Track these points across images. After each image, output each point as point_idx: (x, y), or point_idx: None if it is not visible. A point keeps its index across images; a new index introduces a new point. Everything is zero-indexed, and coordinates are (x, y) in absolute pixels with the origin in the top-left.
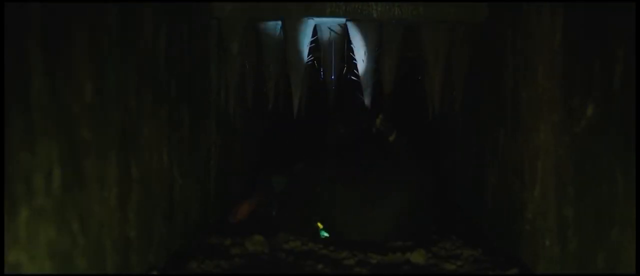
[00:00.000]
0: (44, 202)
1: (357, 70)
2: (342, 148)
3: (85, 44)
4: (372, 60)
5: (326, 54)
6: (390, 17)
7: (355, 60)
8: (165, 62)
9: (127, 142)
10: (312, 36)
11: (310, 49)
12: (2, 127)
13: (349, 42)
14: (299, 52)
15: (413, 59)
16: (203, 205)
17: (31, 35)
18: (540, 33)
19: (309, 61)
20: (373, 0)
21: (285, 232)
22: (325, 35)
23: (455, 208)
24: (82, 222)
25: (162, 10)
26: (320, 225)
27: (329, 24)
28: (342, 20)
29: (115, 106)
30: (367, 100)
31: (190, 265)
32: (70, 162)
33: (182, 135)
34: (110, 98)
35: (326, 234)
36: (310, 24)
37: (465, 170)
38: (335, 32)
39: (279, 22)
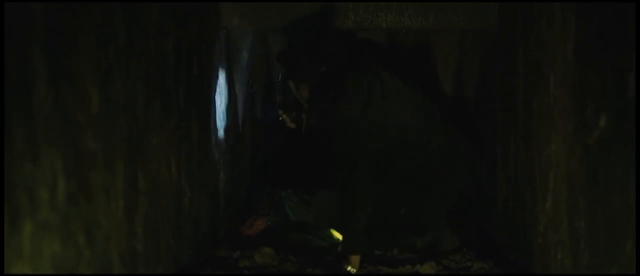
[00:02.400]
0: (49, 214)
1: None
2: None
3: (91, 51)
4: None
5: None
6: (400, 27)
7: None
8: (174, 72)
9: (134, 152)
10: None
11: None
12: (4, 137)
13: None
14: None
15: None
16: (212, 217)
17: (34, 41)
18: (551, 41)
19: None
20: (382, 9)
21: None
22: None
23: (467, 219)
24: (88, 235)
25: (170, 18)
26: (335, 233)
27: None
28: None
29: (122, 115)
30: None
31: None
32: (76, 174)
33: (191, 146)
34: (117, 107)
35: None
36: None
37: (477, 181)
38: None
39: None
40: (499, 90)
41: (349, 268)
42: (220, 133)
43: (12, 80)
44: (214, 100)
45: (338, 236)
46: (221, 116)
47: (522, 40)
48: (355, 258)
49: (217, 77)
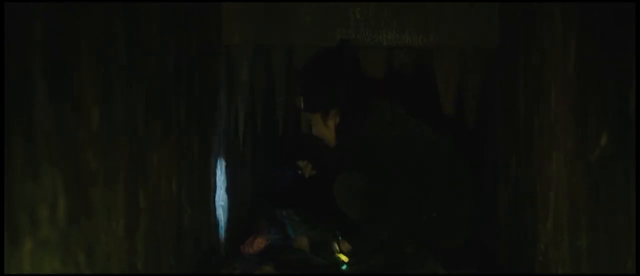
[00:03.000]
0: (49, 232)
1: None
2: None
3: (92, 68)
4: None
5: None
6: (401, 45)
7: None
8: (175, 89)
9: (135, 169)
10: None
11: None
12: (3, 156)
13: None
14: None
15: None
16: (213, 234)
17: (34, 58)
18: (553, 58)
19: None
20: (383, 27)
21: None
22: None
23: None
24: (89, 253)
25: (171, 35)
26: (340, 254)
27: None
28: None
29: (123, 133)
30: None
31: None
32: (76, 192)
33: (192, 163)
34: (117, 125)
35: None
36: None
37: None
38: None
39: None
40: (499, 106)
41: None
42: (221, 150)
43: (12, 97)
44: (215, 117)
45: (340, 256)
46: (221, 133)
47: (523, 57)
48: None
49: (217, 94)
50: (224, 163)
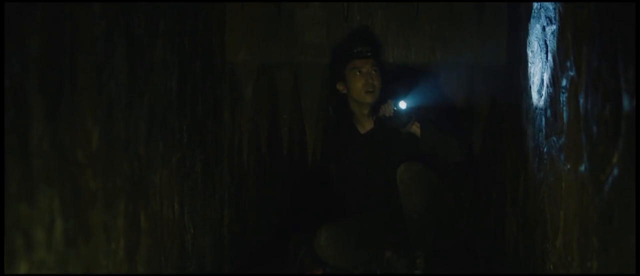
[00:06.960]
0: (45, 255)
1: None
2: None
3: (92, 87)
4: None
5: None
6: (407, 61)
7: None
8: (177, 107)
9: (136, 190)
10: None
11: None
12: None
13: None
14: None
15: None
16: (217, 255)
17: (31, 77)
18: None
19: None
20: (390, 44)
21: None
22: None
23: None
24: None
25: (174, 53)
26: None
27: None
28: None
29: (123, 153)
30: None
31: None
32: (74, 213)
33: (195, 183)
34: (118, 145)
35: None
36: None
37: (486, 218)
38: None
39: None
40: (507, 124)
41: None
42: (225, 169)
43: (8, 116)
44: (218, 136)
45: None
46: (225, 152)
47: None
48: None
49: (221, 113)
50: (228, 182)
